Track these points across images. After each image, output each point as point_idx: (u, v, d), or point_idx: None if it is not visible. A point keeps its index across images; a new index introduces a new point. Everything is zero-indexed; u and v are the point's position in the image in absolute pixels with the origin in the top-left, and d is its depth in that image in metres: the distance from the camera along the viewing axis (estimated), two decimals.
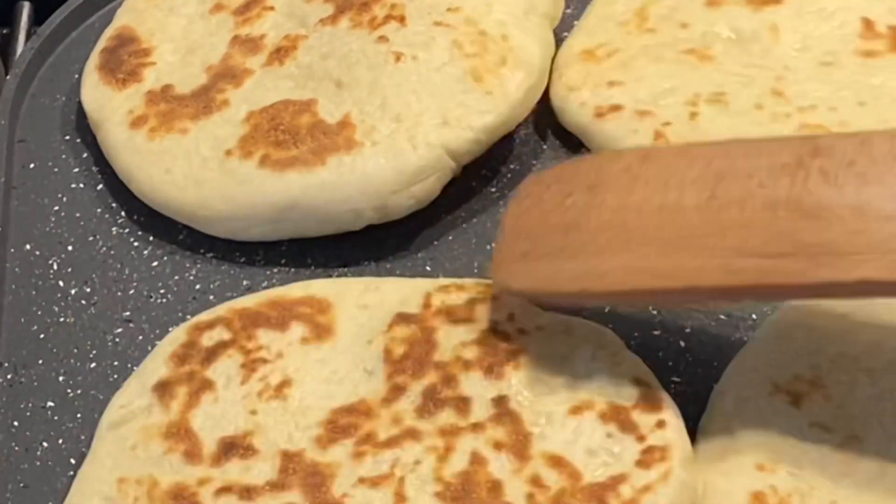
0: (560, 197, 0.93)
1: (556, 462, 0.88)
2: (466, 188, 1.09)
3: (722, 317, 1.01)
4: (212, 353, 0.97)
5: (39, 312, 1.06)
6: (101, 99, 1.12)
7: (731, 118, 1.06)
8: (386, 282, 1.01)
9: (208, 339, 0.98)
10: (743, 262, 0.84)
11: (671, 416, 0.90)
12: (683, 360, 0.99)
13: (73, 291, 1.07)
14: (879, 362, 0.92)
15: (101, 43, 1.16)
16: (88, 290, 1.06)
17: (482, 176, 1.10)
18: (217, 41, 1.13)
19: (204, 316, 1.00)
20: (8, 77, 1.19)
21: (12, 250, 1.09)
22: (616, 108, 1.08)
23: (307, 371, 0.95)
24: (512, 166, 1.11)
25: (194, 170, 1.06)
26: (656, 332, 1.00)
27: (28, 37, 1.31)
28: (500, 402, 0.92)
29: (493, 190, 1.10)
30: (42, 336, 1.04)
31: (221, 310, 1.00)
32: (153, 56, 1.14)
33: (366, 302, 0.99)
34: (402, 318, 0.97)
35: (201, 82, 1.11)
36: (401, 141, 1.03)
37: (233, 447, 0.92)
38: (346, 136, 1.04)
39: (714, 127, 1.06)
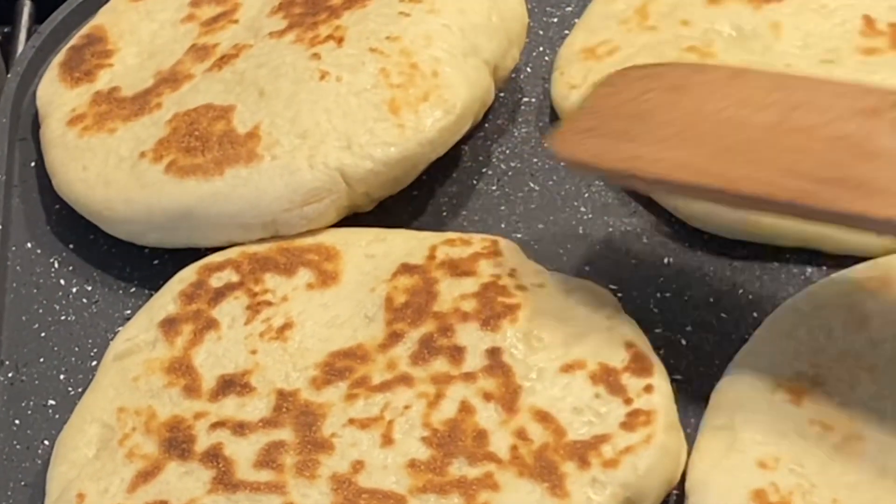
0: (640, 91, 0.96)
1: (543, 417, 0.90)
2: (467, 187, 1.09)
3: (724, 314, 1.01)
4: (219, 294, 1.00)
5: (41, 311, 1.06)
6: (52, 95, 1.13)
7: None
8: (393, 233, 1.03)
9: (217, 280, 1.00)
10: (790, 181, 0.87)
11: (660, 381, 0.92)
12: (685, 357, 0.99)
13: (74, 290, 1.07)
14: (881, 360, 0.92)
15: (73, 39, 1.18)
16: (90, 288, 1.06)
17: (483, 174, 1.10)
18: (177, 48, 1.14)
19: (215, 257, 1.03)
20: (9, 75, 1.19)
21: (14, 248, 1.09)
22: None
23: (309, 315, 0.98)
24: (513, 164, 1.11)
25: (108, 169, 1.06)
26: (658, 330, 1.00)
27: (29, 35, 1.31)
28: (494, 353, 0.93)
29: (494, 188, 1.10)
30: (43, 334, 1.04)
31: (232, 253, 1.02)
32: (114, 58, 1.15)
33: (372, 252, 1.01)
34: (406, 268, 0.99)
35: (146, 86, 1.11)
36: (299, 159, 1.02)
37: (231, 384, 0.94)
38: (249, 148, 1.03)
39: None
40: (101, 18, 1.19)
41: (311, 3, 1.11)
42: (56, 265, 1.08)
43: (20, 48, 1.30)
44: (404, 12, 1.07)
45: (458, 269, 0.98)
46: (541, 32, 1.19)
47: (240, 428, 0.92)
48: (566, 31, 1.17)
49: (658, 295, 1.03)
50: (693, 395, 0.97)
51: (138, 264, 1.07)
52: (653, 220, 1.07)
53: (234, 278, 1.00)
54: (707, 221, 1.04)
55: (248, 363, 0.95)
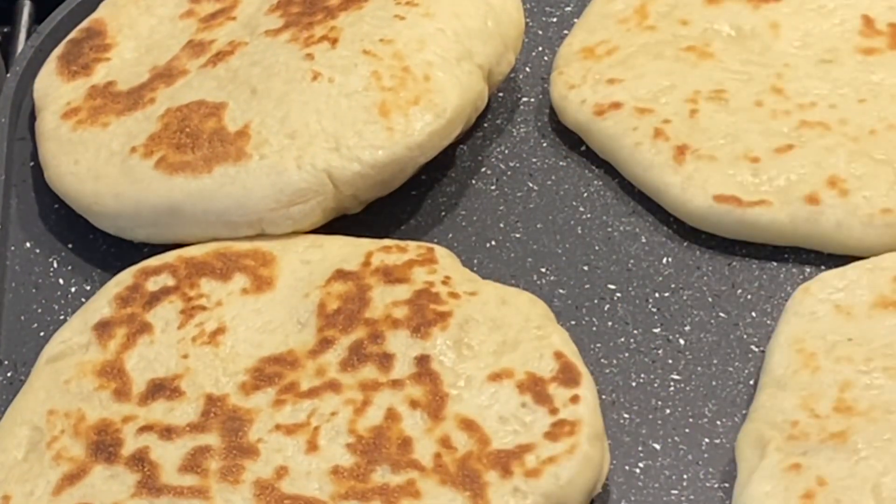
0: None
1: (468, 425, 0.90)
2: (466, 187, 1.09)
3: (722, 314, 1.01)
4: (154, 298, 1.00)
5: (39, 310, 1.06)
6: (48, 87, 1.14)
7: (731, 115, 1.06)
8: (330, 239, 1.02)
9: (153, 284, 1.00)
10: None
11: (587, 392, 0.91)
12: (683, 357, 0.99)
13: (73, 290, 1.07)
14: None
15: (73, 32, 1.18)
16: (88, 288, 1.06)
17: (482, 174, 1.10)
18: (174, 44, 1.14)
19: (153, 261, 1.03)
20: (8, 75, 1.19)
21: (13, 248, 1.09)
22: (616, 105, 1.08)
23: (242, 320, 0.98)
24: (512, 164, 1.11)
25: (99, 164, 1.06)
26: (657, 329, 1.00)
27: (28, 35, 1.31)
28: (423, 361, 0.93)
29: (493, 188, 1.10)
30: (42, 334, 1.04)
31: (170, 257, 1.02)
32: (111, 52, 1.15)
33: (308, 258, 1.01)
34: (341, 274, 0.99)
35: (142, 81, 1.11)
36: (287, 159, 1.02)
37: (161, 388, 0.94)
38: (239, 147, 1.03)
39: (714, 124, 1.06)
40: (102, 12, 1.19)
41: (308, 3, 1.11)
42: (55, 265, 1.08)
43: (20, 48, 1.30)
44: (399, 15, 1.07)
45: (391, 275, 0.98)
46: (540, 32, 1.19)
47: (167, 432, 0.92)
48: (565, 31, 1.17)
49: (657, 295, 1.02)
50: (691, 395, 0.97)
51: (137, 264, 1.07)
52: (652, 220, 1.06)
53: (171, 282, 1.00)
54: (706, 221, 1.04)
55: (179, 367, 0.95)
